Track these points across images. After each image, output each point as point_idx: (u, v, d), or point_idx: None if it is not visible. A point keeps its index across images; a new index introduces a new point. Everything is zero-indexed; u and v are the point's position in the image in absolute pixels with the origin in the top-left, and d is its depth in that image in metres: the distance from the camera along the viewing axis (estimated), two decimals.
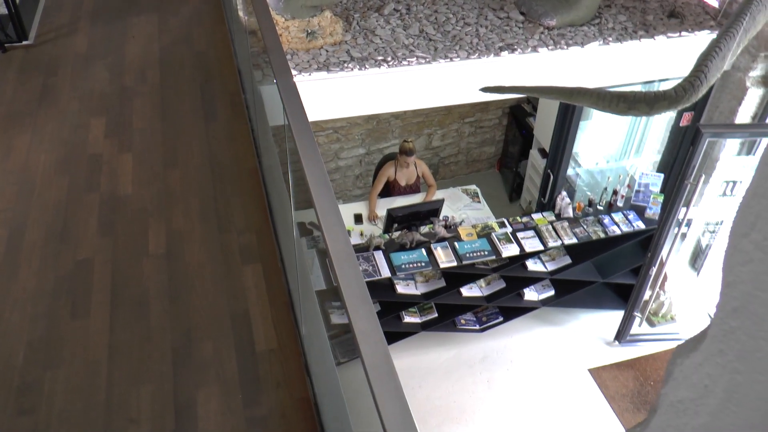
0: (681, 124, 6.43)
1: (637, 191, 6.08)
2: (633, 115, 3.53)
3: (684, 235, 5.88)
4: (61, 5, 5.33)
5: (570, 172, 7.05)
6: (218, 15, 5.19)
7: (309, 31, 5.11)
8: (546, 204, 7.03)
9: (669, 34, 5.58)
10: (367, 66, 5.07)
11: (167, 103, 4.18)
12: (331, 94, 4.99)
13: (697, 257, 6.26)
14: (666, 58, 5.62)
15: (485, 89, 3.66)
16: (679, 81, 3.58)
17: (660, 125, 6.86)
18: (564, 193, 6.19)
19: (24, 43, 4.78)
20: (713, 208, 5.46)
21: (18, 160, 3.77)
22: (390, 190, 6.68)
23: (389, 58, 5.15)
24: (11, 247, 3.30)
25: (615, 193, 6.08)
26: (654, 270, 5.49)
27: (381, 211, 6.32)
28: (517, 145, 8.23)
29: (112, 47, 4.76)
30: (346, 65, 5.05)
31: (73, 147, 3.86)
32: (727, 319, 0.73)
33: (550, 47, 5.43)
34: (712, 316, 0.75)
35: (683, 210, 5.18)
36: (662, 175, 6.09)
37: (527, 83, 5.39)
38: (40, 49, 4.73)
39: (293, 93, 2.46)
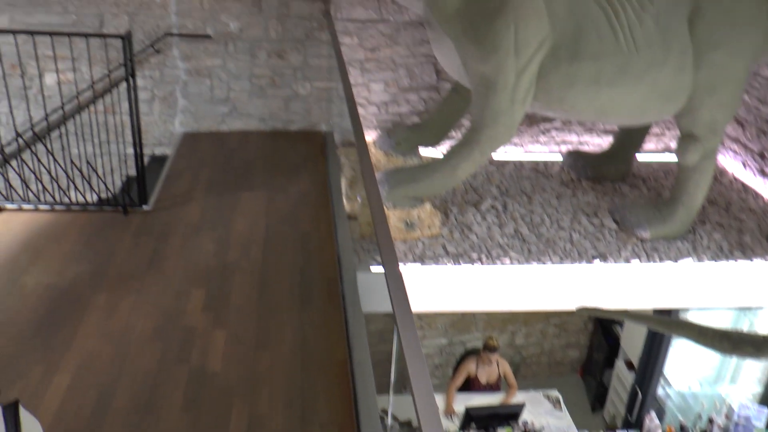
0: None
1: (737, 423, 5.68)
2: (737, 357, 3.38)
3: None
4: (181, 174, 5.72)
5: (660, 391, 6.71)
6: (324, 198, 5.42)
7: (408, 222, 5.25)
8: (632, 422, 6.64)
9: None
10: (461, 262, 5.12)
11: (266, 283, 4.28)
12: (423, 287, 5.02)
13: None
14: (765, 283, 5.44)
15: (583, 309, 3.60)
16: None
17: None
18: (653, 413, 5.86)
19: (144, 207, 5.09)
20: None
21: (119, 322, 3.89)
22: (469, 385, 6.52)
23: (483, 257, 5.19)
24: (98, 410, 3.32)
25: (711, 421, 5.72)
26: None
27: (458, 407, 6.12)
28: (602, 352, 7.98)
29: (221, 220, 5.01)
30: (440, 259, 5.12)
31: (170, 316, 3.96)
32: None
33: (642, 259, 5.38)
34: None
35: None
36: (766, 410, 5.70)
37: (621, 297, 5.32)
38: (156, 215, 5.03)
39: (398, 281, 2.49)
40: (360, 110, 6.58)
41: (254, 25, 6.31)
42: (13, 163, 5.26)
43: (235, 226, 4.93)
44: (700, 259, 5.42)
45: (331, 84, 6.60)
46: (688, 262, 5.37)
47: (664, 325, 3.53)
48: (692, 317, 6.15)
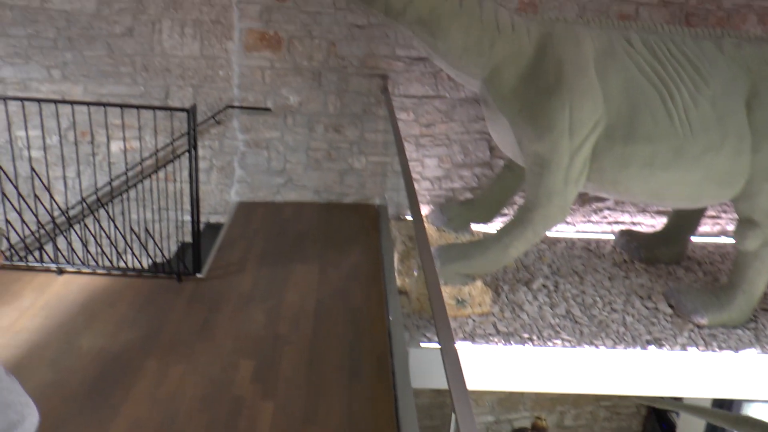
0: None
1: None
2: None
3: None
4: (234, 244, 5.81)
5: None
6: (376, 272, 5.42)
7: (459, 299, 5.21)
8: None
9: None
10: (512, 342, 5.04)
11: (315, 357, 4.27)
12: (473, 365, 4.95)
13: None
14: None
15: (640, 399, 3.47)
16: None
17: None
18: None
19: (197, 275, 5.17)
20: None
21: (168, 389, 3.91)
22: None
23: (535, 338, 5.11)
24: None
25: None
26: None
27: None
28: None
29: (273, 291, 5.04)
30: (491, 338, 5.05)
31: (219, 385, 3.97)
32: None
33: (700, 347, 5.20)
34: None
35: None
36: None
37: (677, 385, 5.14)
38: (209, 284, 5.09)
39: (454, 358, 2.55)
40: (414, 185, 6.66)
41: (313, 100, 6.49)
42: (76, 226, 5.45)
43: (286, 298, 4.96)
44: (764, 350, 5.21)
45: (386, 158, 6.70)
46: (750, 353, 5.17)
47: (729, 421, 3.34)
48: (755, 411, 5.88)
